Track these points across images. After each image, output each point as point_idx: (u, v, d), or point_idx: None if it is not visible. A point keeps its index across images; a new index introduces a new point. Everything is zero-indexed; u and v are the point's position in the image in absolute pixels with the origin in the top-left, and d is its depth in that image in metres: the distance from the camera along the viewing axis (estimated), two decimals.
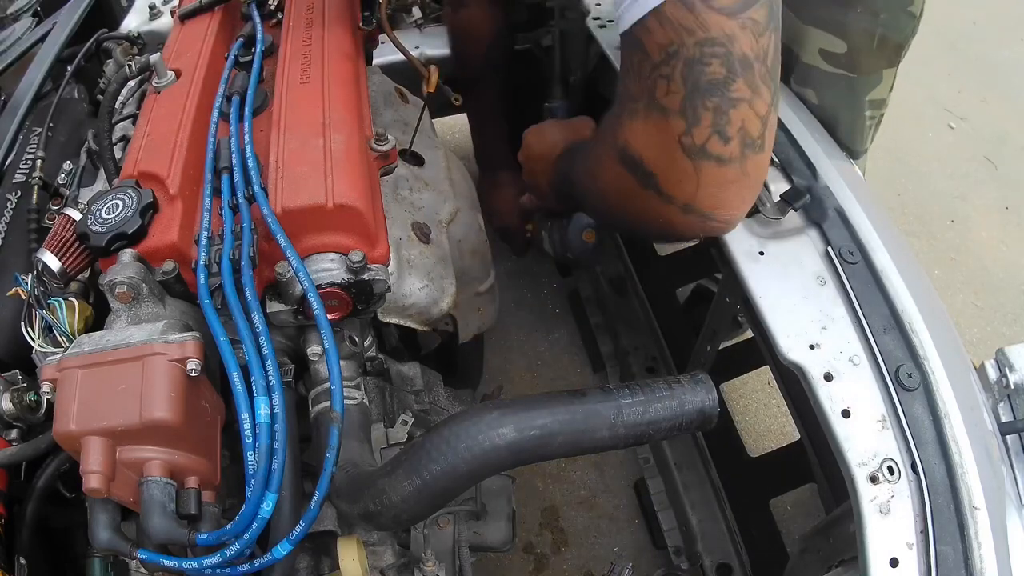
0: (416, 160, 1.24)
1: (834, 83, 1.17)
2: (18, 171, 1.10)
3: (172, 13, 1.21)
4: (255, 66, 1.01)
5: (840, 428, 0.83)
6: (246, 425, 0.69)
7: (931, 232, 2.51)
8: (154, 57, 1.00)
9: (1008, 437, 0.91)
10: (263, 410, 0.70)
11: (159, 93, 0.98)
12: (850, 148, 1.20)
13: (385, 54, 1.39)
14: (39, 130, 1.14)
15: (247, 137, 0.89)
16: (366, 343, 0.97)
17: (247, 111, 0.94)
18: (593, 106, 1.42)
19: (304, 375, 0.91)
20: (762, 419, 1.98)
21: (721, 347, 1.48)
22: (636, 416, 0.71)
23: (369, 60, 1.33)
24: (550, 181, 1.10)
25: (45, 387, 0.70)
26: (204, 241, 0.80)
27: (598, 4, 1.47)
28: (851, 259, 0.96)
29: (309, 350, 0.87)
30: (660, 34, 0.68)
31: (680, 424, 0.72)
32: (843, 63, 1.15)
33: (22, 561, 0.80)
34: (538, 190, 1.19)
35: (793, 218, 1.01)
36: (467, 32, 1.50)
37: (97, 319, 0.84)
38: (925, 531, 0.78)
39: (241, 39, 1.07)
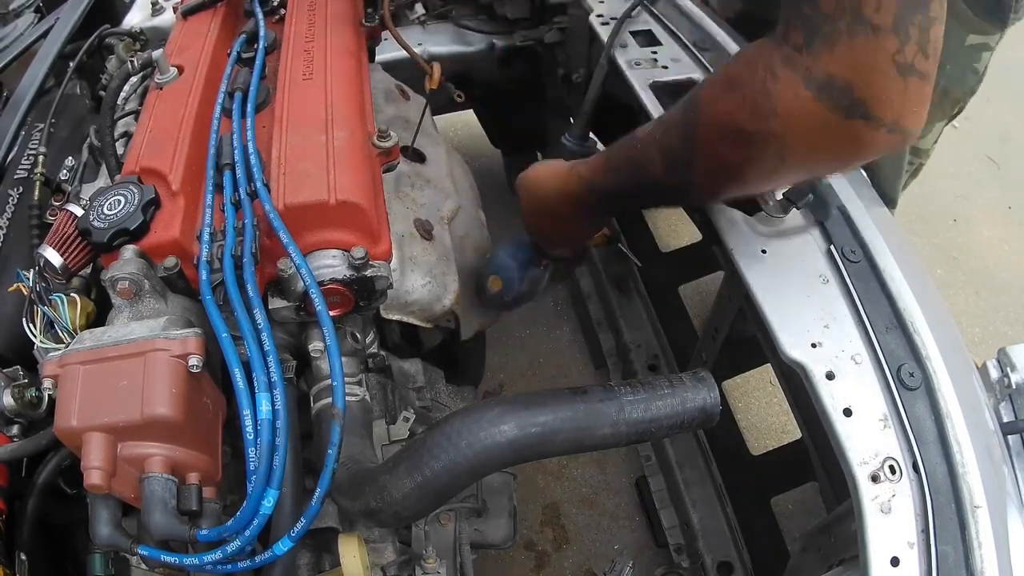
0: (418, 157, 1.24)
1: None
2: (20, 167, 1.10)
3: (174, 9, 1.21)
4: (257, 62, 1.01)
5: (842, 427, 0.83)
6: (247, 421, 0.69)
7: (933, 231, 2.51)
8: (156, 53, 1.00)
9: (1009, 437, 0.91)
10: (264, 406, 0.70)
11: (161, 89, 0.98)
12: (886, 195, 1.18)
13: (388, 51, 1.38)
14: (41, 126, 1.14)
15: (249, 133, 0.89)
16: (368, 339, 0.97)
17: (249, 107, 0.93)
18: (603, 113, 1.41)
19: (305, 371, 0.91)
20: (764, 417, 1.98)
21: (723, 344, 1.48)
22: (638, 414, 0.71)
23: (372, 57, 1.33)
24: (578, 210, 1.00)
25: (46, 383, 0.71)
26: (206, 237, 0.80)
27: (601, 2, 1.47)
28: (853, 258, 0.96)
29: (311, 346, 0.87)
30: None
31: (682, 422, 0.72)
32: None
33: (23, 557, 0.80)
34: (552, 233, 1.07)
35: (796, 217, 1.01)
36: None
37: (99, 315, 0.84)
38: (926, 530, 0.78)
39: (244, 35, 1.07)
